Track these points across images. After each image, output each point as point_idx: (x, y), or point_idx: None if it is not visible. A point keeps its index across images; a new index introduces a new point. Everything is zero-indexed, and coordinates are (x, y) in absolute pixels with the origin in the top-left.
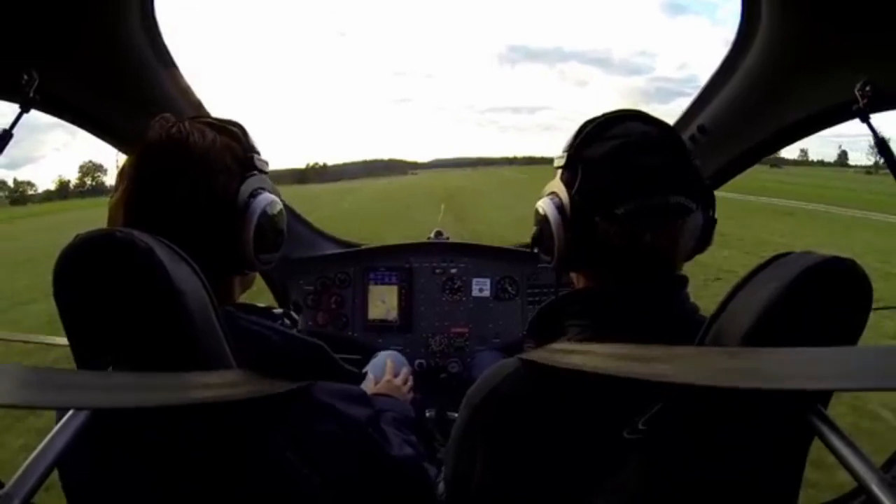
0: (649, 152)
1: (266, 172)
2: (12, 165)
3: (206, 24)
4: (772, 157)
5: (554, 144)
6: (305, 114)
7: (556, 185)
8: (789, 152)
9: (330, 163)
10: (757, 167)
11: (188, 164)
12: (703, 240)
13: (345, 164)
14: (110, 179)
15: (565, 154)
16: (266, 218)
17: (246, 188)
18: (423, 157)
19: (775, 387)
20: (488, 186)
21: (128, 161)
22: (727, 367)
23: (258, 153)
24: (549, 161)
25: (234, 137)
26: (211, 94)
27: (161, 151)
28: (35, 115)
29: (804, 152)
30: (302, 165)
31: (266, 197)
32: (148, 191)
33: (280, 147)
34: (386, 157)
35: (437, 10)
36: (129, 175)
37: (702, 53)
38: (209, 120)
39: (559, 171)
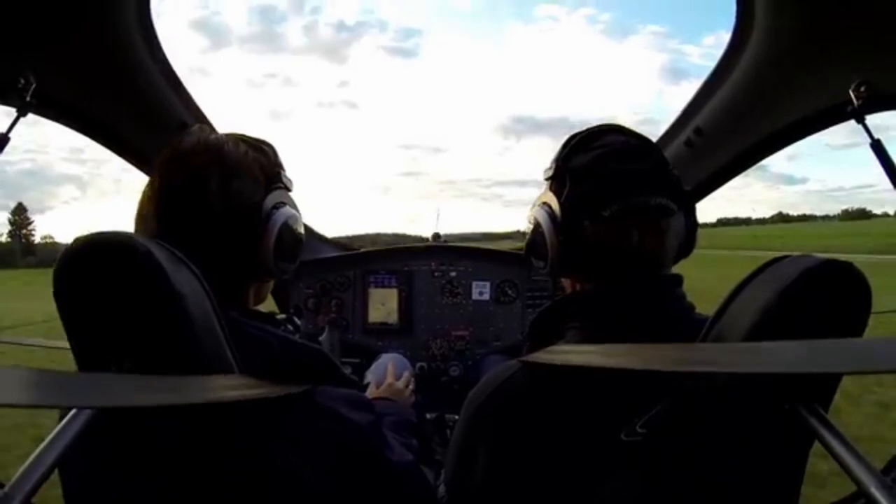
0: (631, 159)
1: (290, 189)
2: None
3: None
4: None
5: None
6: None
7: (547, 195)
8: None
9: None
10: None
11: (221, 168)
12: (688, 243)
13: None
14: None
15: (553, 165)
16: (287, 229)
17: (271, 199)
18: (425, 231)
19: (771, 370)
20: None
21: (163, 161)
22: (720, 357)
23: (284, 170)
24: None
25: (263, 153)
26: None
27: (197, 154)
28: (47, 166)
29: None
30: None
31: (288, 210)
32: (180, 191)
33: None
34: (390, 231)
35: (447, 83)
36: (163, 174)
37: None
38: (242, 136)
39: (548, 183)
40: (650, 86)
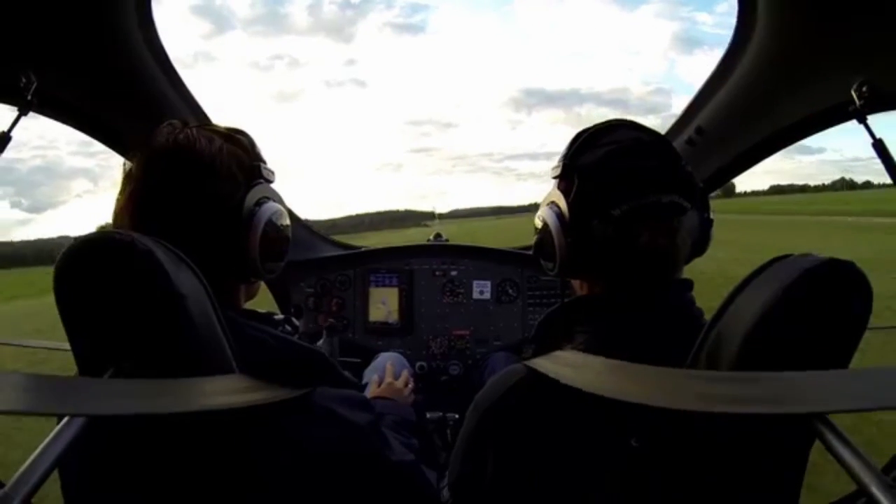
0: (641, 156)
1: (272, 182)
2: (34, 209)
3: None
4: None
5: None
6: (308, 164)
7: (554, 194)
8: None
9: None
10: None
11: (194, 169)
12: (701, 241)
13: (334, 220)
14: None
15: (561, 163)
16: (272, 227)
17: (252, 197)
18: (440, 207)
19: (775, 411)
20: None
21: (134, 164)
22: (722, 392)
23: (264, 162)
24: None
25: (240, 146)
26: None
27: (168, 156)
28: (58, 161)
29: None
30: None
31: (272, 206)
32: (153, 195)
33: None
34: (402, 207)
35: (456, 58)
36: (136, 178)
37: None
38: (216, 127)
39: (556, 181)
40: (662, 55)
